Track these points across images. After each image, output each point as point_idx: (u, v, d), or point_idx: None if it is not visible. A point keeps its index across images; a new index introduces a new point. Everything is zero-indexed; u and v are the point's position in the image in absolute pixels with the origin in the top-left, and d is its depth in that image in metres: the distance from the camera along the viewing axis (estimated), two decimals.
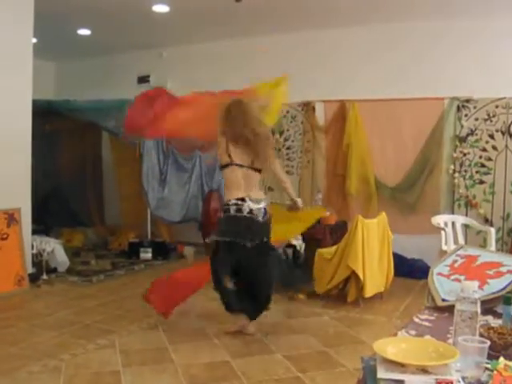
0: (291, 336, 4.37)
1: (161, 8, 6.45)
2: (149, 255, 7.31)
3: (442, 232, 5.75)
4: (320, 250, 5.56)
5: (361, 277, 5.03)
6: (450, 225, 5.97)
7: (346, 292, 5.34)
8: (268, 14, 6.63)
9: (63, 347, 3.99)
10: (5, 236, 5.50)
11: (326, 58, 7.20)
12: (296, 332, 4.47)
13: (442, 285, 2.21)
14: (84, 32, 7.63)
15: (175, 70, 8.31)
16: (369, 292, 5.14)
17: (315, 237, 6.08)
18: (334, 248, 5.44)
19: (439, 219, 5.94)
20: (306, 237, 5.99)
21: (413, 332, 1.85)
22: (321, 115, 7.29)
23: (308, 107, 7.36)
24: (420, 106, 6.58)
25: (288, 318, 4.88)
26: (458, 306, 1.63)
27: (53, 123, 7.87)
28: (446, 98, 6.48)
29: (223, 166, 4.25)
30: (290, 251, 6.16)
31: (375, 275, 5.23)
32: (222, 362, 3.78)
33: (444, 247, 5.61)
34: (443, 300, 2.13)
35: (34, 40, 6.03)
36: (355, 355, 3.79)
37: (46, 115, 7.01)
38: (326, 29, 7.04)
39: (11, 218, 5.60)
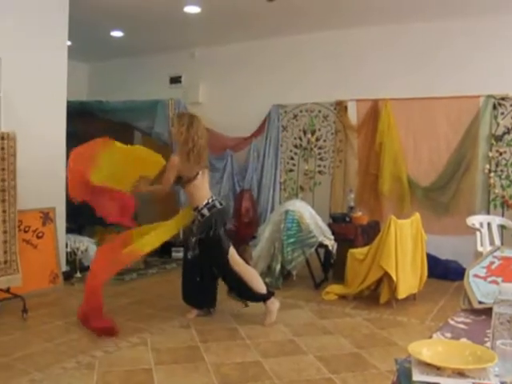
0: (323, 337, 4.34)
1: (192, 9, 6.48)
2: (180, 254, 7.31)
3: (478, 233, 5.64)
4: (352, 251, 5.52)
5: (394, 278, 4.97)
6: (485, 225, 5.85)
7: (378, 293, 5.29)
8: (300, 14, 6.60)
9: (96, 344, 4.05)
10: (40, 234, 5.60)
11: (358, 56, 7.14)
12: (328, 333, 4.44)
13: (479, 287, 2.17)
14: (117, 34, 7.72)
15: (207, 70, 8.35)
16: (402, 293, 5.08)
17: (347, 237, 6.05)
18: (366, 248, 5.39)
19: (474, 220, 5.83)
20: (337, 237, 5.96)
21: (448, 334, 1.82)
22: (353, 114, 7.23)
23: (340, 106, 7.30)
24: (455, 105, 6.47)
25: (320, 318, 4.85)
26: (495, 309, 1.59)
27: (86, 124, 7.97)
28: (482, 95, 6.35)
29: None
30: (321, 251, 6.14)
31: (408, 276, 5.17)
32: (254, 361, 3.78)
33: (479, 248, 5.51)
34: (480, 302, 2.08)
35: (69, 43, 6.12)
36: (388, 357, 3.76)
37: (79, 116, 7.10)
38: (359, 27, 6.98)
39: (46, 217, 5.70)
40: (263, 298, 4.65)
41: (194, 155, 4.60)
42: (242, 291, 4.68)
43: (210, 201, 4.64)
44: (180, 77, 8.66)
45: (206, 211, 4.58)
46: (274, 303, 4.66)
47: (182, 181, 4.66)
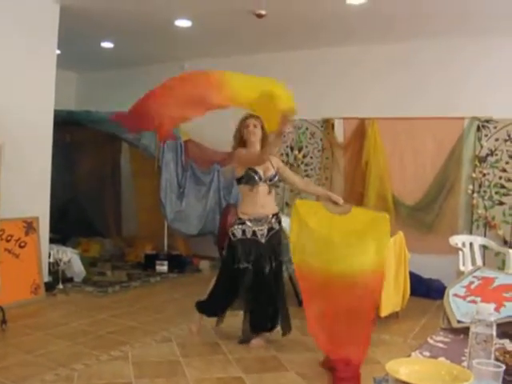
0: (305, 353, 4.33)
1: (183, 23, 6.51)
2: (165, 268, 7.32)
3: (460, 252, 5.68)
4: None
5: None
6: (468, 245, 5.90)
7: None
8: (289, 31, 6.66)
9: (77, 357, 4.01)
10: (23, 244, 5.56)
11: (345, 75, 7.21)
12: (310, 350, 4.42)
13: (458, 306, 2.19)
14: (107, 45, 7.74)
15: None
16: (384, 311, 5.08)
17: None
18: None
19: (457, 239, 5.87)
20: None
21: (427, 353, 1.83)
22: (340, 132, 7.29)
23: (327, 124, 7.36)
24: (440, 125, 6.55)
25: (302, 335, 4.83)
26: (472, 329, 1.60)
27: (73, 134, 7.97)
28: (466, 117, 6.43)
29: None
30: None
31: (391, 294, 5.18)
32: (235, 377, 3.76)
33: (462, 268, 5.55)
34: (459, 322, 2.10)
35: (58, 51, 6.12)
36: (369, 375, 3.74)
37: (66, 125, 7.08)
38: (346, 46, 7.06)
39: (29, 226, 5.65)
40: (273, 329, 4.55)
41: None
42: (281, 313, 4.52)
43: None
44: None
45: (282, 219, 4.48)
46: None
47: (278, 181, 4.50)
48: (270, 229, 4.36)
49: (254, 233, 4.32)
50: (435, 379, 1.42)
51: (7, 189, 4.86)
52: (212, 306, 4.61)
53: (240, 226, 4.35)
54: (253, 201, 4.34)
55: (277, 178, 4.45)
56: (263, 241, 4.34)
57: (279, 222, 4.45)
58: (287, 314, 4.57)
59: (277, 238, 4.43)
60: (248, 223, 4.33)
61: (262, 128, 4.47)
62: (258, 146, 4.47)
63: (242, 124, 4.50)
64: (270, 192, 4.40)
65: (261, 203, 4.33)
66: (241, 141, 4.52)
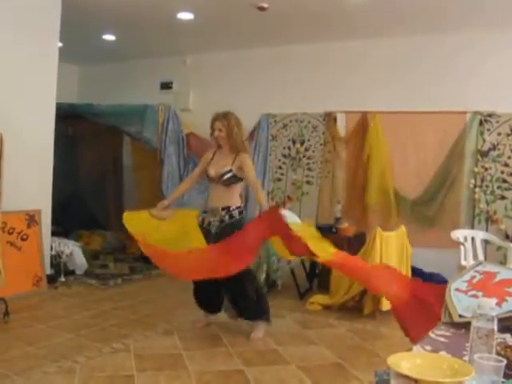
0: (306, 347, 4.35)
1: (185, 15, 6.50)
2: None
3: (462, 247, 5.68)
4: None
5: None
6: (469, 240, 5.90)
7: (362, 304, 5.31)
8: (291, 25, 6.64)
9: (78, 349, 4.03)
10: (25, 237, 5.57)
11: (348, 69, 7.19)
12: (311, 343, 4.45)
13: (460, 300, 2.19)
14: (109, 37, 7.72)
15: (198, 77, 8.36)
16: (385, 305, 5.08)
17: None
18: None
19: (459, 234, 5.87)
20: None
21: (428, 347, 1.83)
22: (342, 126, 7.27)
23: (329, 118, 7.34)
24: (442, 120, 6.53)
25: (303, 328, 4.86)
26: (474, 323, 1.60)
27: (75, 126, 7.96)
28: (469, 111, 6.42)
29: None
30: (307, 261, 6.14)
31: None
32: (236, 370, 3.78)
33: (463, 262, 5.55)
34: (460, 316, 2.10)
35: (60, 44, 6.12)
36: (370, 368, 3.76)
37: (68, 118, 7.08)
38: (349, 40, 7.04)
39: (32, 219, 5.67)
40: (263, 315, 4.56)
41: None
42: (247, 304, 4.53)
43: (242, 205, 4.63)
44: (171, 82, 8.66)
45: (236, 213, 4.47)
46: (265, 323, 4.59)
47: (236, 178, 4.52)
48: (221, 221, 4.47)
49: (209, 223, 4.50)
50: (436, 373, 1.42)
51: (9, 181, 4.86)
52: (196, 295, 4.70)
53: (202, 215, 4.63)
54: (210, 194, 4.69)
55: (230, 175, 4.46)
56: (213, 231, 4.46)
57: (230, 216, 4.46)
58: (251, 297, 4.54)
59: (228, 230, 4.39)
60: (207, 213, 4.57)
61: (229, 127, 4.52)
62: (226, 149, 4.59)
63: (211, 126, 4.63)
64: (224, 188, 4.50)
65: (214, 196, 4.57)
66: None
